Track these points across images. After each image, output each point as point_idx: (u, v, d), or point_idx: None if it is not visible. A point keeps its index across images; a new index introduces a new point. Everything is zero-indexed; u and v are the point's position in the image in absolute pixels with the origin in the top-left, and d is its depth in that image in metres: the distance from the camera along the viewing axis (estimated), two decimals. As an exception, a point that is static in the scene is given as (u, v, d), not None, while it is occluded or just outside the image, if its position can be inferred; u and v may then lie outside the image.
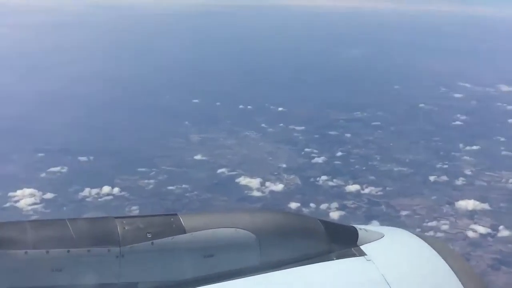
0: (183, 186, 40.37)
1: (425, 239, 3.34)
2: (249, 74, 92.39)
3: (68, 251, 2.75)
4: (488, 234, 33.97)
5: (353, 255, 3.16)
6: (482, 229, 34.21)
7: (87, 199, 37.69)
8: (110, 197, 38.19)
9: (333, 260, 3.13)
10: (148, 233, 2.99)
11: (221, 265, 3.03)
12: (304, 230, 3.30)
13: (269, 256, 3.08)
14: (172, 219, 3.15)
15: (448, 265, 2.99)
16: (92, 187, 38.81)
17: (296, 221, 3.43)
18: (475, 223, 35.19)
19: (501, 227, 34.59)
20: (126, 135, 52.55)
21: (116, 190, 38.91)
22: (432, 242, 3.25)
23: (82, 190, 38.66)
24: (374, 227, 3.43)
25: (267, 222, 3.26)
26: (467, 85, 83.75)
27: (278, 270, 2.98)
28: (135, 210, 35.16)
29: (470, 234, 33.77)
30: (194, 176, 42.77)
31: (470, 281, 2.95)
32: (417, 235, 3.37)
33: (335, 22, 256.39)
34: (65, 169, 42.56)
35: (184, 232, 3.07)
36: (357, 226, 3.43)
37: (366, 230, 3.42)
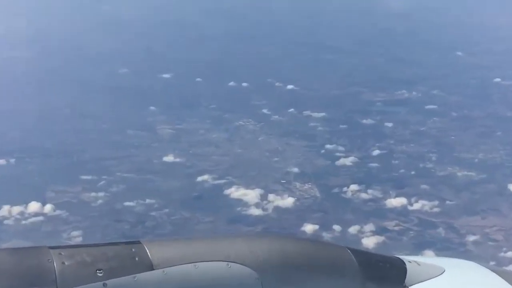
0: (147, 201, 40.15)
1: (503, 275, 3.33)
2: (245, 37, 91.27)
3: None
4: None
5: None
6: None
7: (6, 221, 37.52)
8: (40, 217, 37.98)
9: None
10: (99, 270, 2.94)
11: None
12: (327, 264, 3.29)
13: None
14: (133, 249, 3.10)
15: None
16: (13, 204, 38.69)
17: (316, 251, 3.40)
18: None
19: None
20: (65, 127, 53.13)
21: (48, 207, 38.69)
22: (508, 276, 3.17)
23: None
24: (430, 258, 3.00)
25: (272, 253, 3.25)
26: None
27: None
28: (77, 237, 35.34)
29: None
30: (164, 186, 42.75)
31: None
32: (492, 270, 3.38)
33: None
34: (-26, 177, 40.26)
35: (152, 268, 3.03)
36: (405, 258, 3.56)
37: (418, 264, 3.49)
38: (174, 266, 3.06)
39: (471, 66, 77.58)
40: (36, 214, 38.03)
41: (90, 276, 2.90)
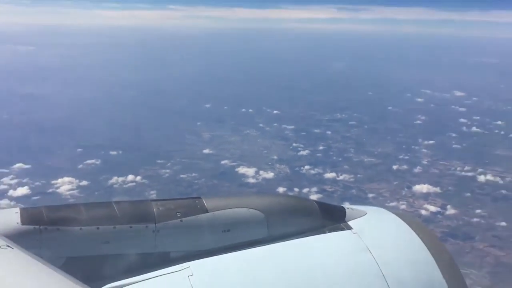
0: (193, 174, 40.60)
1: (399, 215, 3.39)
2: (252, 84, 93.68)
3: (114, 227, 2.92)
4: (438, 212, 35.62)
5: (342, 229, 3.22)
6: (433, 208, 36.20)
7: (115, 186, 38.62)
8: (133, 183, 38.97)
9: (326, 233, 3.20)
10: (178, 212, 3.09)
11: (236, 238, 3.14)
12: (302, 209, 3.36)
13: (275, 231, 3.22)
14: (196, 201, 3.20)
15: (416, 234, 3.12)
16: (119, 176, 39.79)
17: (296, 202, 3.51)
18: (428, 203, 37.67)
19: (448, 206, 36.39)
20: (150, 133, 53.43)
21: (138, 178, 39.79)
22: (404, 217, 3.33)
23: (111, 178, 39.64)
24: (358, 206, 3.24)
25: (273, 203, 3.33)
26: (427, 91, 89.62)
27: (282, 241, 3.07)
28: (152, 194, 35.29)
29: (424, 212, 35.40)
30: (203, 166, 43.23)
31: (435, 248, 3.06)
32: (393, 212, 3.40)
33: (327, 41, 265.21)
34: (98, 162, 43.64)
35: (207, 211, 3.14)
36: (345, 206, 3.50)
37: (352, 209, 3.47)
38: (218, 210, 3.09)
39: (376, 100, 78.31)
40: (131, 182, 38.77)
41: (173, 216, 2.97)
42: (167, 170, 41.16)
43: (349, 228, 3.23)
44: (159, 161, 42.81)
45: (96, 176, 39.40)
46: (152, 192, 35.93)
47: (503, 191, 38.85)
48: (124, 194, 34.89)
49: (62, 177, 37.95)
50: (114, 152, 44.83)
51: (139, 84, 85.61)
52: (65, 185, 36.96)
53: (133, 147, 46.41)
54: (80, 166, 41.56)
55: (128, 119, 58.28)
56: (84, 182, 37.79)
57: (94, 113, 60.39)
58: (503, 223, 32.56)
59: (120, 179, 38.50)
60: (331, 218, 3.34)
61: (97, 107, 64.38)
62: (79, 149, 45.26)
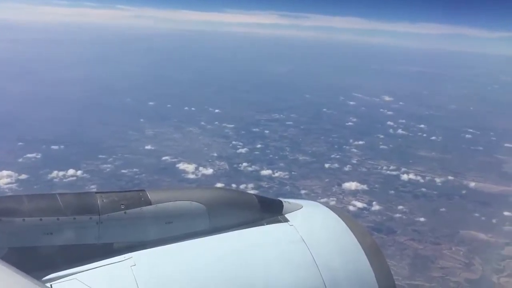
0: (134, 169, 40.01)
1: (331, 208, 3.39)
2: (195, 84, 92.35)
3: (58, 219, 2.74)
4: (365, 208, 36.62)
5: (279, 221, 3.17)
6: (360, 204, 38.26)
7: (54, 180, 37.77)
8: (74, 178, 38.18)
9: (264, 225, 3.15)
10: (122, 204, 2.94)
11: (178, 230, 3.02)
12: (242, 202, 3.27)
13: (216, 223, 3.12)
14: (141, 193, 3.05)
15: (347, 226, 3.18)
16: (59, 170, 38.76)
17: (236, 195, 3.38)
18: (356, 199, 36.72)
19: (374, 202, 37.49)
20: (93, 129, 52.31)
21: (79, 172, 39.08)
22: (336, 211, 3.35)
23: (51, 172, 38.58)
24: (294, 200, 3.12)
25: (214, 196, 3.21)
26: (359, 95, 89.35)
27: (222, 233, 3.03)
28: (93, 188, 33.80)
29: (352, 208, 36.30)
30: (144, 162, 42.84)
31: (362, 236, 3.13)
32: (326, 206, 3.40)
33: (268, 46, 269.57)
34: (39, 155, 42.36)
35: (150, 204, 3.00)
36: (282, 199, 3.38)
37: (289, 203, 3.37)
38: (162, 203, 2.95)
39: (312, 102, 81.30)
40: (72, 176, 37.80)
41: (117, 208, 2.82)
42: (109, 165, 40.57)
43: (286, 220, 3.20)
44: (101, 156, 41.96)
45: (36, 170, 38.22)
46: (92, 186, 34.83)
47: (423, 189, 40.36)
48: (64, 188, 33.60)
49: (0, 170, 36.16)
50: (55, 147, 43.55)
51: (84, 81, 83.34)
52: (3, 179, 35.62)
53: (75, 142, 45.18)
54: (20, 160, 40.07)
55: (72, 115, 56.72)
56: (24, 176, 36.47)
57: (37, 108, 58.25)
58: (422, 219, 34.01)
59: (61, 173, 37.45)
60: (269, 211, 3.29)
61: (40, 102, 62.27)
62: (20, 143, 43.51)
